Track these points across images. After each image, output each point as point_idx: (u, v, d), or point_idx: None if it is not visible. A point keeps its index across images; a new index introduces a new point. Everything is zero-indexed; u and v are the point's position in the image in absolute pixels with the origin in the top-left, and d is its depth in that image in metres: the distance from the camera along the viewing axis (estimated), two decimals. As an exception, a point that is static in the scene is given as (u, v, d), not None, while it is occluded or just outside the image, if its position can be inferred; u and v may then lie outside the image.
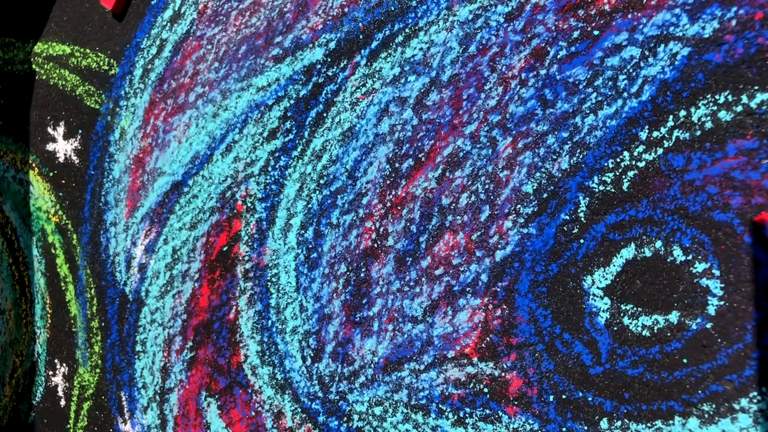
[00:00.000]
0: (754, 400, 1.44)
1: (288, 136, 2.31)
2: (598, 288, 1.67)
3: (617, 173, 1.64)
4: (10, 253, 3.44)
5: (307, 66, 2.26)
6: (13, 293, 3.45)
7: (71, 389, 3.19)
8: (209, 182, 2.55)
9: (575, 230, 1.71)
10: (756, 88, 1.45)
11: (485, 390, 1.85)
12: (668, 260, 1.57)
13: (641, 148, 1.60)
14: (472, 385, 1.87)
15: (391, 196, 2.05)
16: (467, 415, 1.88)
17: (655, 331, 1.58)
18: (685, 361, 1.54)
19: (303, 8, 2.27)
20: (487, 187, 1.85)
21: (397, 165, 2.04)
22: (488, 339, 1.84)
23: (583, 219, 1.69)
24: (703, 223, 1.52)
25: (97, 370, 3.04)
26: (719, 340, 1.49)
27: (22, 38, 3.34)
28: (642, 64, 1.60)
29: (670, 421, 1.55)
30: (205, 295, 2.57)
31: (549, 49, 1.75)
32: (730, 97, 1.48)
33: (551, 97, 1.74)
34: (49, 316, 3.31)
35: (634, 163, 1.61)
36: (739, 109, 1.47)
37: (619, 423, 1.62)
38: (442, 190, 1.94)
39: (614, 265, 1.64)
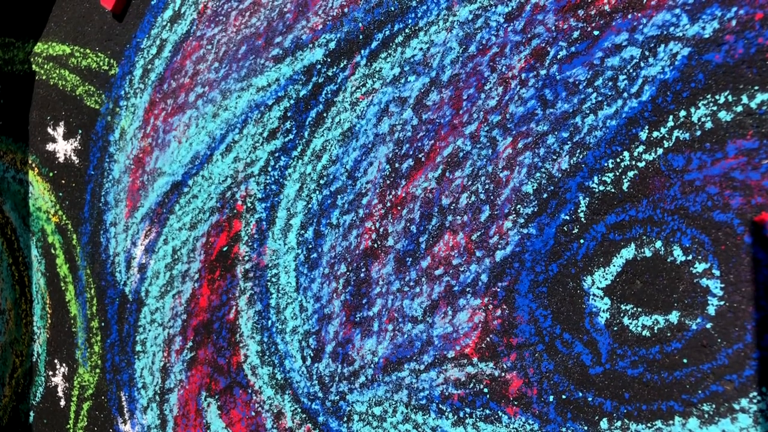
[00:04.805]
0: (754, 400, 1.44)
1: (288, 136, 2.31)
2: (598, 288, 1.67)
3: (617, 173, 1.64)
4: (10, 253, 3.44)
5: (307, 66, 2.26)
6: (13, 293, 3.45)
7: (71, 389, 3.19)
8: (209, 182, 2.55)
9: (575, 230, 1.71)
10: (756, 88, 1.45)
11: (485, 390, 1.85)
12: (668, 260, 1.57)
13: (641, 148, 1.60)
14: (472, 385, 1.87)
15: (391, 196, 2.05)
16: (467, 415, 1.88)
17: (655, 331, 1.58)
18: (685, 361, 1.54)
19: (303, 8, 2.27)
20: (487, 187, 1.85)
21: (397, 165, 2.04)
22: (488, 339, 1.84)
23: (583, 219, 1.69)
24: (703, 223, 1.52)
25: (97, 370, 3.04)
26: (719, 340, 1.49)
27: (22, 38, 3.34)
28: (642, 64, 1.60)
29: (670, 421, 1.55)
30: (205, 295, 2.57)
31: (549, 49, 1.75)
32: (730, 97, 1.48)
33: (551, 97, 1.74)
34: (49, 316, 3.31)
35: (634, 163, 1.61)
36: (739, 109, 1.47)
37: (619, 423, 1.62)
38: (442, 190, 1.94)
39: (614, 265, 1.64)
